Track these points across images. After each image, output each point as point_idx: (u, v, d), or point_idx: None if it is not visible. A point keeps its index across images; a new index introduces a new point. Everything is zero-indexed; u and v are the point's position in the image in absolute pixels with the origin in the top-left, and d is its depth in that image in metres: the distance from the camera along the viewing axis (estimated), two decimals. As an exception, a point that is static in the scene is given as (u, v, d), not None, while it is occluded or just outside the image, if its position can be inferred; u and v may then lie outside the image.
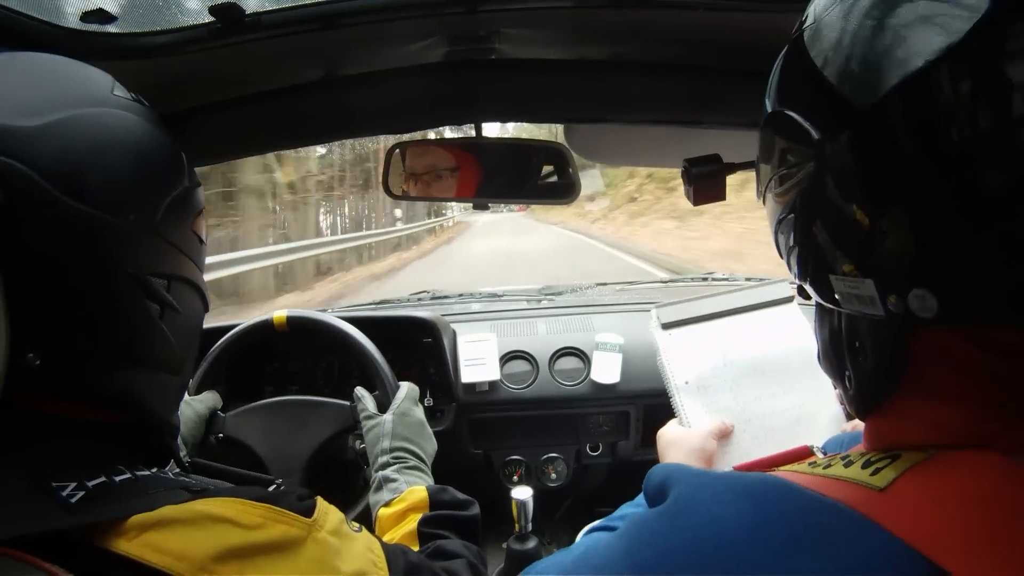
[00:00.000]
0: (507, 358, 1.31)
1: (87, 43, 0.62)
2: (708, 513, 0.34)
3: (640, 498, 0.65)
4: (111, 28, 0.63)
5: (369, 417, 0.90)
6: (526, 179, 0.92)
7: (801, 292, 0.41)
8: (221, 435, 1.00)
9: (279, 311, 1.06)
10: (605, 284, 1.82)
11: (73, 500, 0.41)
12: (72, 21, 0.61)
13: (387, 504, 0.77)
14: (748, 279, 1.70)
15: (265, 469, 0.97)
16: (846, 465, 0.35)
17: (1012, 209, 0.27)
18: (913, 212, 0.30)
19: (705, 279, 1.79)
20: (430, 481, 0.82)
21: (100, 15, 0.60)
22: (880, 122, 0.30)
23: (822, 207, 0.35)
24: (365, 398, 0.93)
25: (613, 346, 1.27)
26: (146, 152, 0.48)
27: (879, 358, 0.37)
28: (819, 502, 0.32)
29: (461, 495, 0.79)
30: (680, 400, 0.79)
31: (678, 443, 0.74)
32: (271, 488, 0.54)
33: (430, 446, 0.89)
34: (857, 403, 0.40)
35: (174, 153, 0.51)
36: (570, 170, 0.89)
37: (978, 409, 0.33)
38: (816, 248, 0.36)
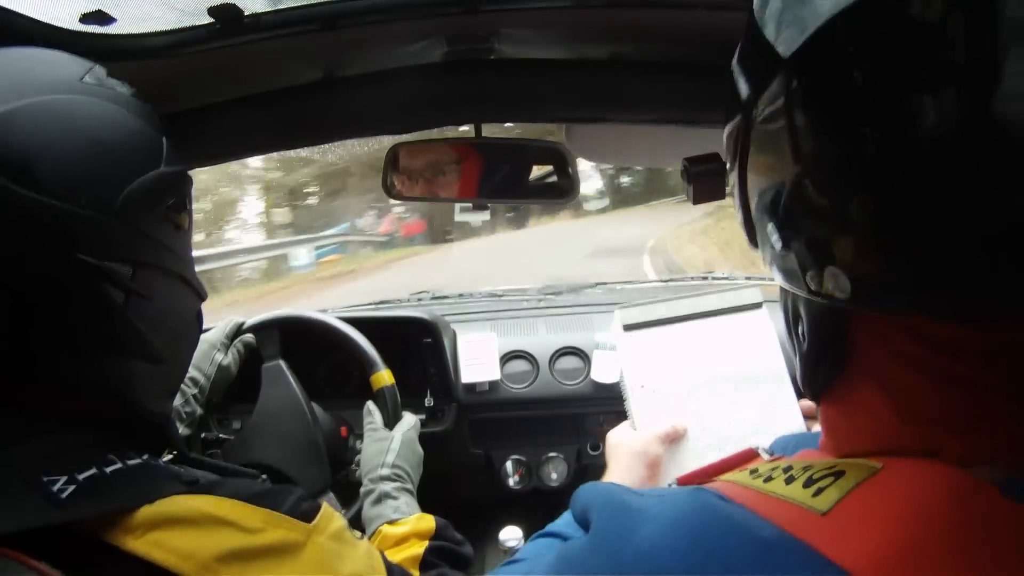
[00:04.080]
0: (507, 358, 1.31)
1: (86, 44, 0.62)
2: (637, 549, 0.32)
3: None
4: (110, 29, 0.63)
5: (375, 429, 0.93)
6: (526, 178, 0.92)
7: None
8: (244, 350, 1.04)
9: (384, 373, 1.00)
10: (605, 284, 1.82)
11: (63, 495, 0.41)
12: (71, 22, 0.60)
13: (392, 522, 0.79)
14: (748, 278, 1.69)
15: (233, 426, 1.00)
16: (788, 481, 0.33)
17: (928, 179, 0.25)
18: (822, 181, 0.28)
19: (705, 278, 1.79)
20: (419, 510, 0.83)
21: (99, 16, 0.60)
22: (794, 78, 0.29)
23: (752, 170, 0.34)
24: (374, 412, 0.96)
25: (613, 346, 1.27)
26: (106, 137, 0.47)
27: (815, 339, 0.35)
28: (758, 534, 0.30)
29: (459, 534, 0.81)
30: (633, 404, 0.77)
31: (623, 445, 0.72)
32: (260, 481, 0.55)
33: (418, 479, 0.91)
34: (803, 384, 0.38)
35: (146, 138, 0.50)
36: (570, 170, 0.89)
37: (924, 408, 0.31)
38: (756, 213, 0.35)
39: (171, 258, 0.52)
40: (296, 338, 1.07)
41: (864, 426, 0.34)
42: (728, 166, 0.38)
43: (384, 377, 1.00)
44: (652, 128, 0.86)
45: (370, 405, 0.97)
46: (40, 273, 0.44)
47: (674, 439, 0.73)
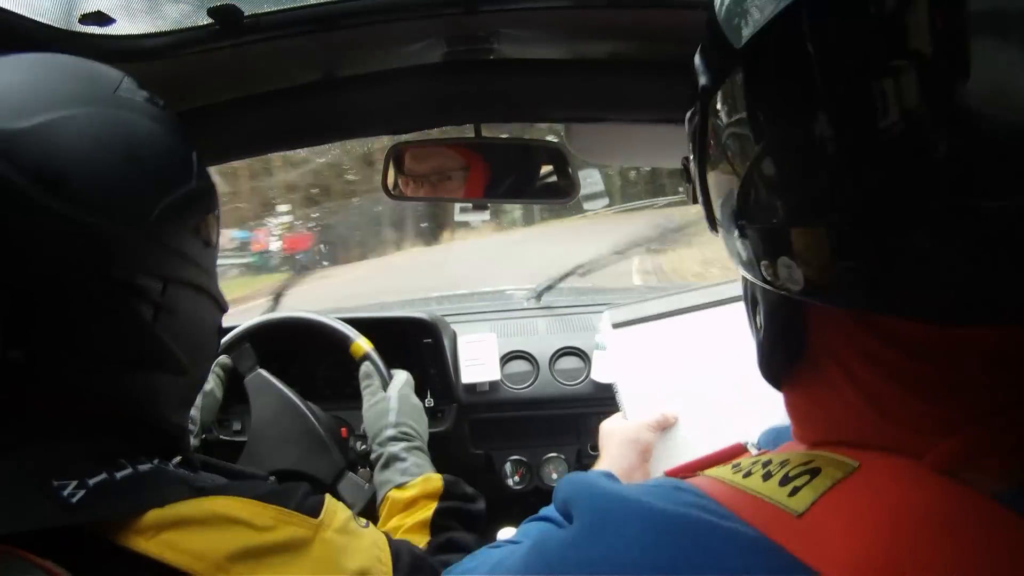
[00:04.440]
0: (507, 358, 1.31)
1: (86, 45, 0.62)
2: (609, 549, 0.31)
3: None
4: (110, 30, 0.63)
5: (372, 393, 0.92)
6: (526, 179, 0.93)
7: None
8: (223, 372, 1.03)
9: (359, 341, 1.01)
10: (598, 291, 1.81)
11: (74, 500, 0.41)
12: (71, 23, 0.60)
13: (400, 487, 0.78)
14: None
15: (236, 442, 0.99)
16: (765, 477, 0.32)
17: (881, 171, 0.24)
18: (774, 170, 0.28)
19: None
20: (430, 465, 0.82)
21: (99, 17, 0.60)
22: (746, 66, 0.29)
23: (710, 158, 0.34)
24: (373, 375, 0.94)
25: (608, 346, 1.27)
26: (141, 153, 0.47)
27: (771, 328, 0.35)
28: (733, 536, 0.29)
29: (470, 488, 0.81)
30: (624, 400, 0.77)
31: (615, 433, 0.73)
32: (268, 482, 0.55)
33: (426, 430, 0.90)
34: (761, 370, 0.38)
35: (178, 154, 0.50)
36: (569, 170, 0.89)
37: (898, 409, 0.30)
38: (715, 200, 0.35)
39: (199, 273, 0.52)
40: (273, 343, 1.08)
41: (839, 416, 0.33)
42: (690, 154, 0.39)
43: (362, 345, 1.00)
44: (652, 128, 0.86)
45: (366, 368, 0.96)
46: (70, 287, 0.44)
47: (665, 427, 0.74)
